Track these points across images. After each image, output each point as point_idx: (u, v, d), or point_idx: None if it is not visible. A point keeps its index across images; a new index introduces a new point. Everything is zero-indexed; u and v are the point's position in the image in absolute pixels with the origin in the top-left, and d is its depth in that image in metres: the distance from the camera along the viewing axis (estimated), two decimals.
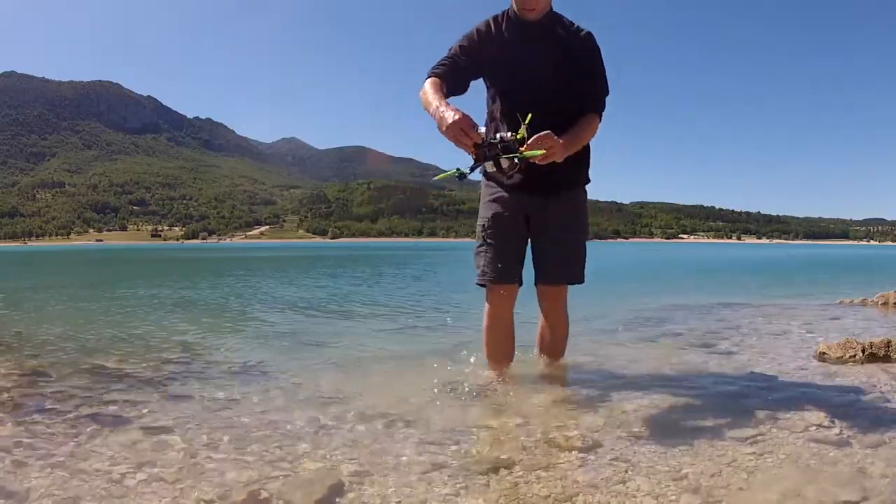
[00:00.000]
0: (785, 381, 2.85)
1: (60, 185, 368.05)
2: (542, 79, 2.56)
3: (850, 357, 3.23)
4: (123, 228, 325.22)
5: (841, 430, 2.04)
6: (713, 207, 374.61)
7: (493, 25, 2.64)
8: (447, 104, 2.31)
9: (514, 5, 2.59)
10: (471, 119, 2.24)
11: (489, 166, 2.26)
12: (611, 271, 15.09)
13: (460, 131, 2.22)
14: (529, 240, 2.78)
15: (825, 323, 4.99)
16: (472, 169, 2.29)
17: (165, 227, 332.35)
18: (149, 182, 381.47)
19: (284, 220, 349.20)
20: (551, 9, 2.62)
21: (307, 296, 8.19)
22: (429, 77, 2.51)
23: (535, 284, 2.80)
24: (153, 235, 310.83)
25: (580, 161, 2.65)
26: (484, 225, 2.74)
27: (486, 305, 2.77)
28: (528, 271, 2.76)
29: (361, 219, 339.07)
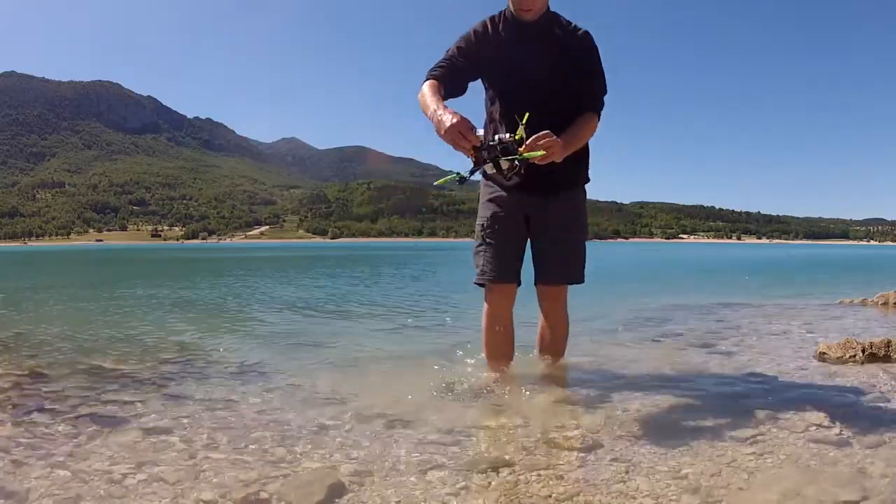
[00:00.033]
0: (785, 381, 2.85)
1: (60, 185, 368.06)
2: (539, 79, 2.56)
3: (850, 357, 3.22)
4: (123, 228, 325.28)
5: (841, 430, 2.04)
6: (713, 207, 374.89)
7: (489, 26, 2.63)
8: (445, 107, 2.30)
9: (511, 6, 2.58)
10: (469, 122, 2.24)
11: (489, 168, 2.26)
12: (611, 271, 15.09)
13: (458, 135, 2.21)
14: (529, 240, 2.77)
15: (825, 323, 4.99)
16: (472, 172, 2.29)
17: (165, 227, 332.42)
18: (149, 182, 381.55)
19: (284, 220, 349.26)
20: (548, 8, 2.61)
21: (306, 296, 8.19)
22: (426, 80, 2.50)
23: (535, 284, 2.80)
24: (153, 235, 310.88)
25: (579, 160, 2.65)
26: (483, 224, 2.74)
27: (486, 305, 2.77)
28: (528, 271, 2.76)
29: (361, 219, 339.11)
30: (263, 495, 1.59)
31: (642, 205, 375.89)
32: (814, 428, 2.08)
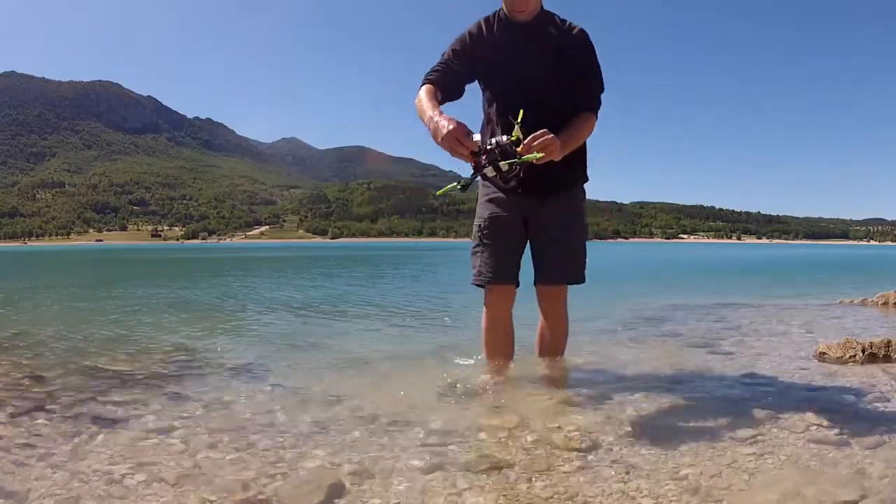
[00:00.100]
0: (785, 382, 2.85)
1: (60, 185, 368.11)
2: (534, 79, 2.55)
3: (850, 357, 3.22)
4: (123, 228, 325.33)
5: (841, 431, 2.04)
6: (713, 207, 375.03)
7: (484, 27, 2.62)
8: (441, 113, 2.29)
9: (504, 7, 2.57)
10: (466, 127, 2.22)
11: (489, 171, 2.25)
12: (611, 271, 15.08)
13: (455, 141, 2.20)
14: (529, 240, 2.77)
15: (825, 323, 4.99)
16: (472, 178, 2.28)
17: (165, 227, 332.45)
18: (149, 182, 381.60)
19: (284, 220, 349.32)
20: (542, 8, 2.60)
21: (304, 296, 8.19)
22: (423, 84, 2.50)
23: (535, 284, 2.80)
24: (153, 235, 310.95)
25: (577, 160, 2.64)
26: (480, 225, 2.73)
27: (485, 306, 2.77)
28: (528, 272, 2.76)
29: (361, 219, 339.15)
30: (264, 495, 1.59)
31: (642, 205, 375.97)
32: (814, 428, 2.08)
